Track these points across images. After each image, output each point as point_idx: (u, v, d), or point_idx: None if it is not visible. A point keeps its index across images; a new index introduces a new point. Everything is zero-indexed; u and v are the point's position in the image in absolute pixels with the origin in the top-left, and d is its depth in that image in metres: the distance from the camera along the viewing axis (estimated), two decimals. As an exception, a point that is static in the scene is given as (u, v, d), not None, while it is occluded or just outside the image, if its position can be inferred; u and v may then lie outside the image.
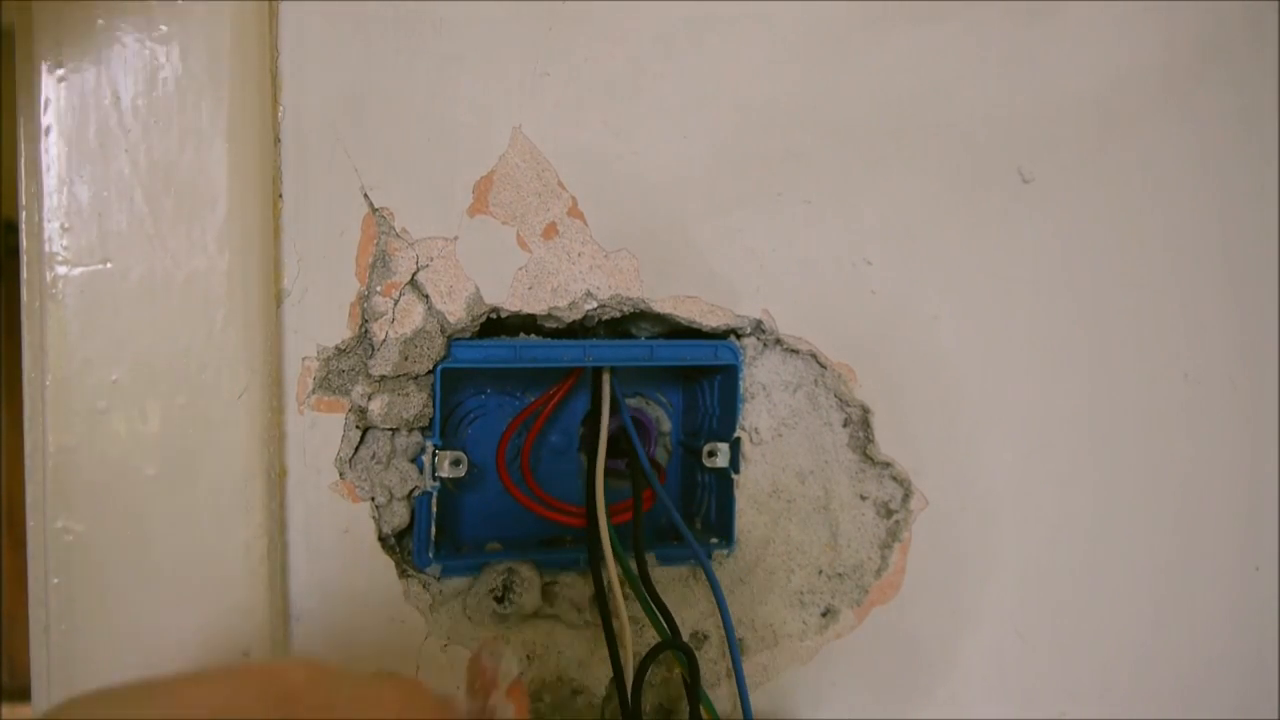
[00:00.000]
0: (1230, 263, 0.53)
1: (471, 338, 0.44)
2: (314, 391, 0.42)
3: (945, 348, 0.49)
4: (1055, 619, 0.52)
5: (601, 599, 0.43)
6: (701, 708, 0.42)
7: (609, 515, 0.44)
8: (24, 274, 0.38)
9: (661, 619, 0.42)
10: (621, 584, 0.44)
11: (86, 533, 0.39)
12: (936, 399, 0.49)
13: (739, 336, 0.47)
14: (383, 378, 0.43)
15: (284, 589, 0.43)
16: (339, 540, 0.43)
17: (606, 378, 0.46)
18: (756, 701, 0.48)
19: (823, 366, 0.48)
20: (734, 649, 0.44)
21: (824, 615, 0.49)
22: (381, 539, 0.44)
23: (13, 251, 0.39)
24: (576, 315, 0.44)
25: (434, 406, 0.43)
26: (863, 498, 0.49)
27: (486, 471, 0.48)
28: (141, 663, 0.40)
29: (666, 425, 0.51)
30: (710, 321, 0.46)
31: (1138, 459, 0.52)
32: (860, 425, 0.48)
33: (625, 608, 0.44)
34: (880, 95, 0.47)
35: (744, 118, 0.46)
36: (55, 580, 0.39)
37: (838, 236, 0.47)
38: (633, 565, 0.43)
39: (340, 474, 0.43)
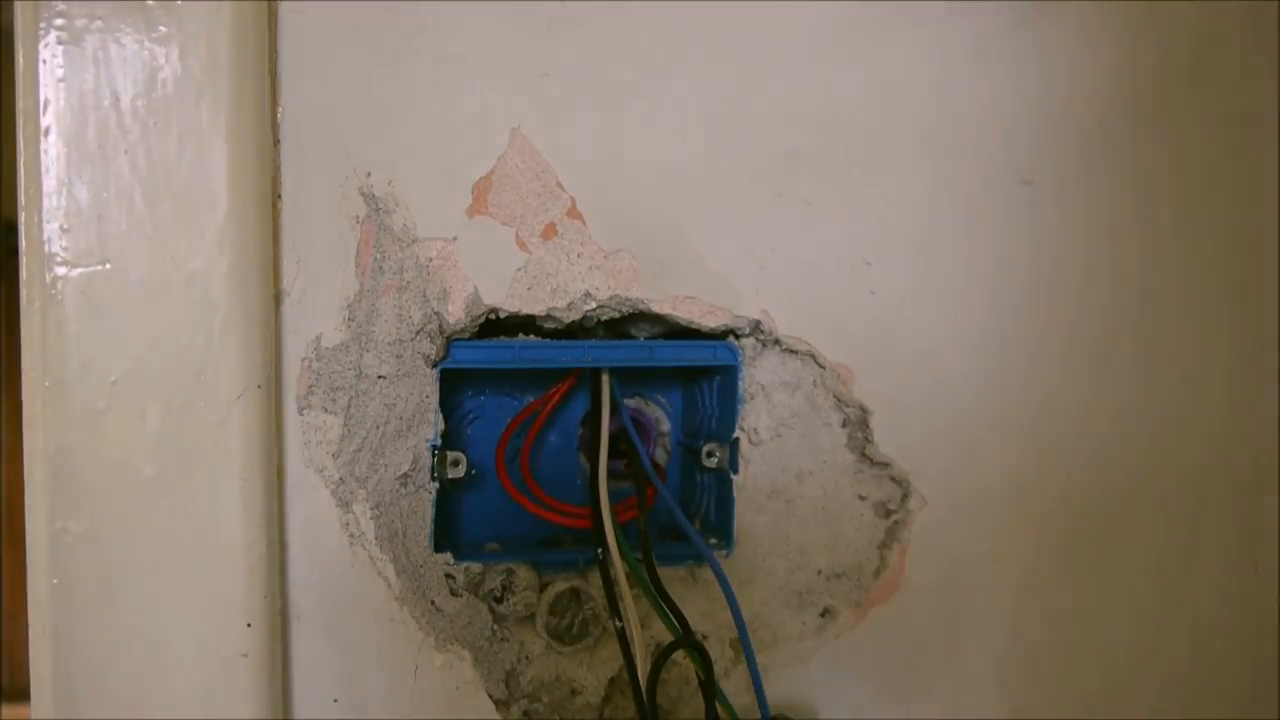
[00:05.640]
0: (1230, 263, 0.53)
1: (470, 338, 0.44)
2: (313, 391, 0.43)
3: (944, 348, 0.49)
4: (1055, 619, 0.52)
5: (610, 598, 0.43)
6: (718, 705, 0.42)
7: (614, 515, 0.44)
8: (24, 275, 0.38)
9: (672, 617, 0.42)
10: (628, 583, 0.44)
11: (86, 533, 0.39)
12: (935, 399, 0.49)
13: (738, 337, 0.47)
14: (381, 378, 0.43)
15: (284, 589, 0.43)
16: (338, 540, 0.43)
17: (606, 378, 0.46)
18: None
19: (821, 367, 0.48)
20: (747, 646, 0.43)
21: (823, 616, 0.49)
22: (380, 539, 0.44)
23: (12, 252, 0.39)
24: (575, 316, 0.45)
25: (433, 407, 0.43)
26: (861, 498, 0.49)
27: (485, 472, 0.48)
28: (141, 663, 0.40)
29: (666, 426, 0.51)
30: (709, 322, 0.46)
31: (1137, 459, 0.52)
32: (859, 426, 0.48)
33: (634, 607, 0.44)
34: (880, 95, 0.47)
35: (744, 118, 0.46)
36: (55, 580, 0.39)
37: (837, 237, 0.47)
38: (640, 565, 0.43)
39: (339, 474, 0.43)
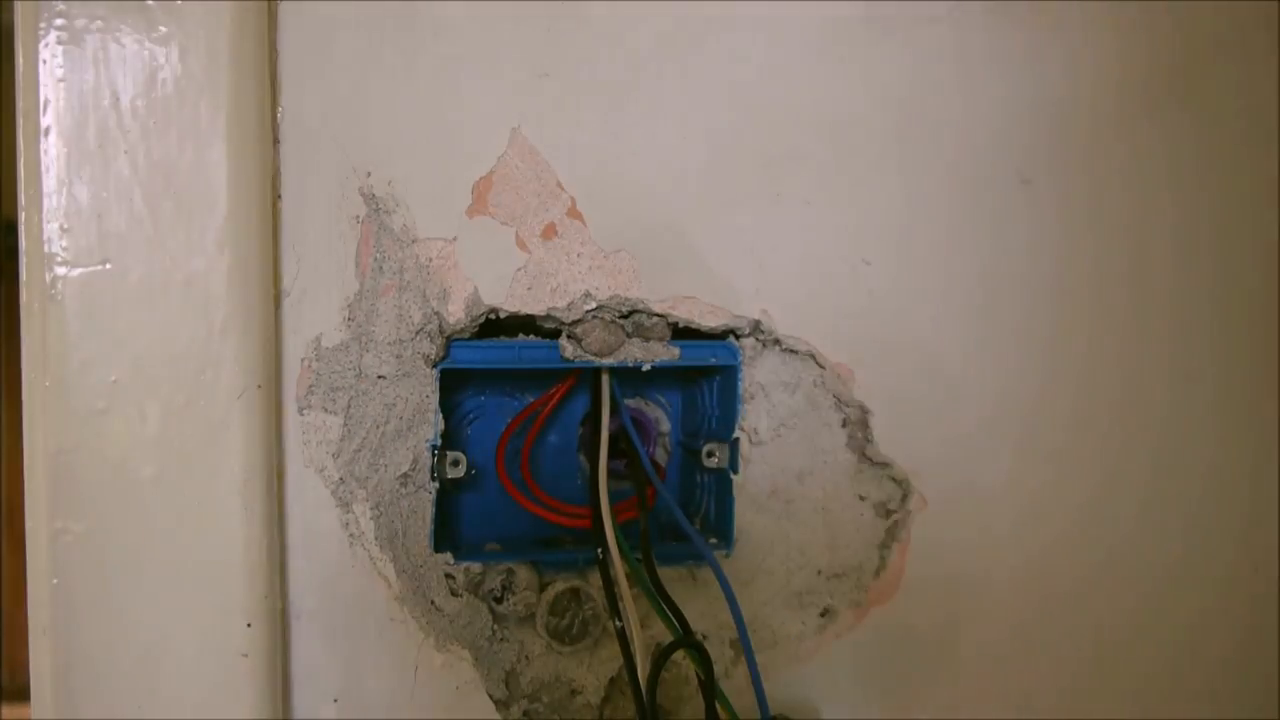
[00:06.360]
0: (1230, 263, 0.53)
1: (470, 338, 0.44)
2: (313, 391, 0.43)
3: (944, 348, 0.49)
4: (1054, 619, 0.52)
5: (610, 598, 0.43)
6: (718, 705, 0.42)
7: (614, 515, 0.44)
8: (24, 275, 0.38)
9: (672, 617, 0.42)
10: (628, 583, 0.44)
11: (86, 533, 0.39)
12: (935, 399, 0.49)
13: (738, 337, 0.47)
14: (381, 378, 0.43)
15: (284, 589, 0.43)
16: (338, 540, 0.43)
17: (606, 378, 0.46)
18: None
19: (821, 367, 0.48)
20: (747, 646, 0.43)
21: (823, 615, 0.49)
22: (380, 539, 0.44)
23: (12, 252, 0.39)
24: (575, 316, 0.44)
25: (433, 407, 0.43)
26: (861, 498, 0.49)
27: (485, 472, 0.48)
28: (141, 663, 0.40)
29: (665, 426, 0.51)
30: (709, 322, 0.46)
31: (1136, 459, 0.52)
32: (859, 425, 0.48)
33: (634, 607, 0.44)
34: (880, 95, 0.47)
35: (743, 118, 0.46)
36: (55, 580, 0.39)
37: (837, 236, 0.47)
38: (640, 565, 0.43)
39: (339, 474, 0.43)
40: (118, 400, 0.39)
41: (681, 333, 0.47)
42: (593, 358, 0.44)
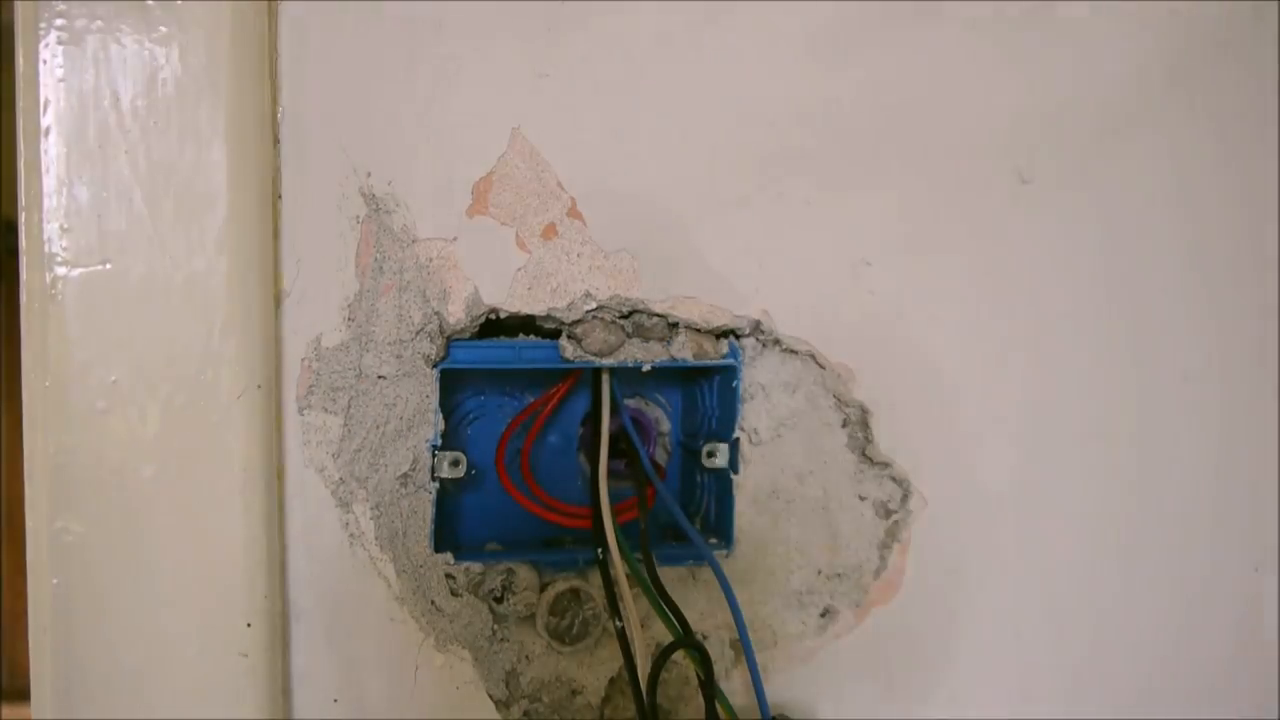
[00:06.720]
0: (1230, 263, 0.53)
1: (470, 338, 0.44)
2: (313, 391, 0.43)
3: (944, 348, 0.49)
4: (1055, 619, 0.52)
5: (610, 598, 0.43)
6: (718, 705, 0.42)
7: (614, 515, 0.44)
8: (24, 275, 0.38)
9: (673, 617, 0.42)
10: (628, 583, 0.44)
11: (86, 533, 0.39)
12: (935, 399, 0.49)
13: (738, 337, 0.47)
14: (381, 378, 0.43)
15: (284, 589, 0.43)
16: (338, 540, 0.43)
17: (606, 378, 0.46)
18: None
19: (821, 367, 0.48)
20: (747, 646, 0.43)
21: (823, 616, 0.49)
22: (380, 539, 0.44)
23: (12, 252, 0.39)
24: (575, 316, 0.44)
25: (433, 407, 0.44)
26: (862, 498, 0.49)
27: (485, 472, 0.48)
28: (141, 663, 0.40)
29: (666, 426, 0.51)
30: (709, 322, 0.46)
31: (1137, 459, 0.52)
32: (859, 426, 0.48)
33: (634, 607, 0.44)
34: (880, 95, 0.47)
35: (744, 118, 0.46)
36: (55, 580, 0.39)
37: (837, 237, 0.47)
38: (640, 565, 0.43)
39: (339, 474, 0.43)
40: (118, 400, 0.39)
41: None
42: (593, 358, 0.44)
